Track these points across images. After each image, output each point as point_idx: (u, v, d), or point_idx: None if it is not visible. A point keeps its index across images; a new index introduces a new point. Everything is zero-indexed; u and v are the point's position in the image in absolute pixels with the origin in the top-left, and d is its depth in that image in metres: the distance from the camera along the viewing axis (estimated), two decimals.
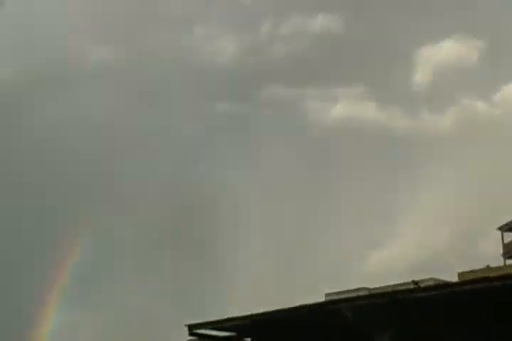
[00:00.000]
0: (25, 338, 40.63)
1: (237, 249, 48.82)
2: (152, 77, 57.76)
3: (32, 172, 51.66)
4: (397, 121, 59.42)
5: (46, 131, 52.85)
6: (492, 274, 19.13)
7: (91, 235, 46.84)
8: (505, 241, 54.96)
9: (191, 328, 21.78)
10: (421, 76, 62.41)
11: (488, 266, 34.89)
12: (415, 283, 20.09)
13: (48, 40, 56.58)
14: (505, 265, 45.90)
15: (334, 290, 26.49)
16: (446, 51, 62.83)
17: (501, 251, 54.54)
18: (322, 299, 24.94)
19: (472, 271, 31.46)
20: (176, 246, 49.21)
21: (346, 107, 60.95)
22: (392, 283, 23.97)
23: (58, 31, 57.36)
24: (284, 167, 55.51)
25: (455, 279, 27.07)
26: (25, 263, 46.56)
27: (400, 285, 22.94)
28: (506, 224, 54.40)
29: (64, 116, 54.18)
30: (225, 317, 21.44)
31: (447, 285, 19.50)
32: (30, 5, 58.11)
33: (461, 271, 32.14)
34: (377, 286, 25.38)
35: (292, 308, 20.20)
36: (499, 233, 55.61)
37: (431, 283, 21.77)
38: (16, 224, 48.75)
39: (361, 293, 22.91)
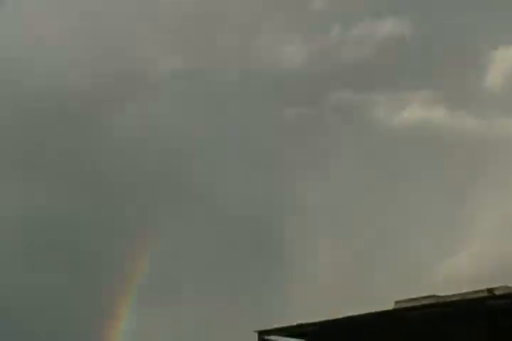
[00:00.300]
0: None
1: (306, 258, 48.87)
2: (220, 85, 58.22)
3: (102, 182, 52.77)
4: (469, 125, 58.27)
5: (115, 143, 53.87)
6: None
7: (163, 241, 47.78)
8: None
9: (261, 334, 21.97)
10: (493, 79, 61.07)
11: None
12: (490, 291, 19.71)
13: (116, 50, 57.62)
14: None
15: (404, 298, 26.22)
16: None
17: None
18: (392, 307, 24.77)
19: None
20: (247, 256, 49.61)
21: (415, 111, 60.18)
22: (463, 291, 23.60)
23: (127, 42, 58.34)
24: (352, 173, 55.23)
25: None
26: (98, 264, 47.71)
27: (471, 293, 22.62)
28: None
29: (132, 128, 55.09)
30: (295, 323, 21.56)
31: None
32: (99, 17, 59.24)
33: None
34: (447, 294, 25.02)
35: (362, 315, 20.21)
36: None
37: (503, 291, 21.44)
38: (91, 225, 50.06)
39: (431, 301, 22.67)
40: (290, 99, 58.77)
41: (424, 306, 20.16)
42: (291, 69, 59.16)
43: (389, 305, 23.98)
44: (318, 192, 52.50)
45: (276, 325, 22.14)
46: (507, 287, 22.99)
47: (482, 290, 20.49)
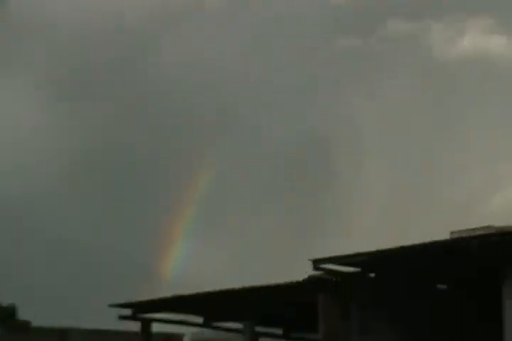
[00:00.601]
0: (151, 270, 42.38)
1: (358, 189, 48.84)
2: (269, 14, 57.43)
3: (157, 112, 53.19)
4: None
5: (164, 76, 53.91)
6: None
7: (214, 169, 48.29)
8: None
9: (316, 263, 21.99)
10: None
11: None
12: None
13: None
14: None
15: (459, 229, 25.92)
16: None
17: None
18: (447, 237, 24.52)
19: None
20: (299, 180, 49.89)
21: (473, 40, 58.55)
22: None
23: None
24: (406, 102, 54.48)
25: None
26: (156, 184, 48.64)
27: None
28: None
29: (180, 62, 54.91)
30: (350, 252, 21.52)
31: None
32: None
33: None
34: (505, 225, 24.65)
35: (418, 245, 20.04)
36: None
37: None
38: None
39: (488, 231, 22.35)
40: (342, 29, 57.73)
41: (481, 236, 19.87)
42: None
43: (444, 236, 23.77)
44: (372, 123, 52.21)
45: (330, 254, 22.14)
46: None
47: None
